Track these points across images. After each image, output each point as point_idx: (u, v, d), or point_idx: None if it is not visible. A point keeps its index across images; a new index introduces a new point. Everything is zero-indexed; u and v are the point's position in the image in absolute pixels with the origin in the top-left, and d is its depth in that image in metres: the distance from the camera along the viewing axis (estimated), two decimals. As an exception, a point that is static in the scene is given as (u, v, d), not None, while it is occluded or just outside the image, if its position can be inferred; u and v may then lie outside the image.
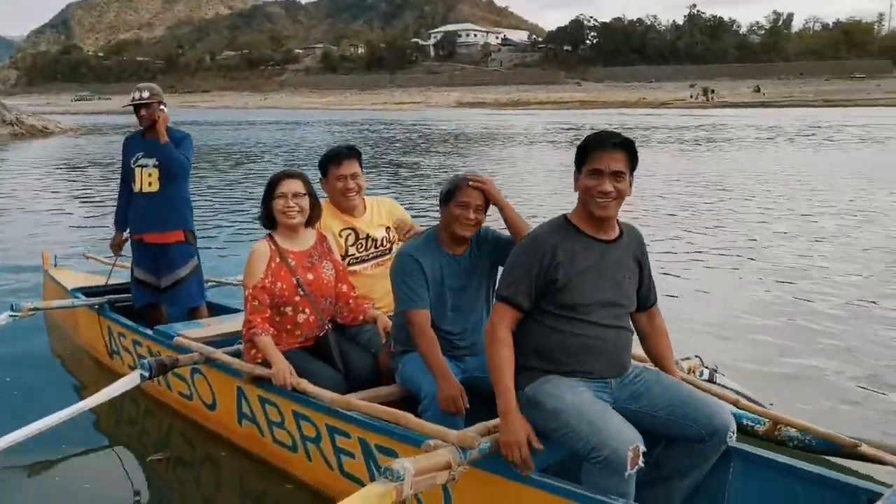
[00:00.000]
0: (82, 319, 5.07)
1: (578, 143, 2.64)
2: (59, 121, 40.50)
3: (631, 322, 2.76)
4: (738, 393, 3.64)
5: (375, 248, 3.80)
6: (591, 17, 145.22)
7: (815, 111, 54.30)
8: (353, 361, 3.41)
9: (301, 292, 3.41)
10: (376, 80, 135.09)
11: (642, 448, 2.31)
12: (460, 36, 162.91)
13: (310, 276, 3.46)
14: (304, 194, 3.46)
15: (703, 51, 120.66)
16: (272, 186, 3.45)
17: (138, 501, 3.52)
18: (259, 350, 3.33)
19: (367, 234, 3.78)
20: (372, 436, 2.91)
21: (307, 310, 3.44)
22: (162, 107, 4.63)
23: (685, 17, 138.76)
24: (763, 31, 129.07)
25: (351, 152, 3.72)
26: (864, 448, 2.83)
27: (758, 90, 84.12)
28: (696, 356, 3.61)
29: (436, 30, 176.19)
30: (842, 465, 3.04)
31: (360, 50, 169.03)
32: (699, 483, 2.64)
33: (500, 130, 37.48)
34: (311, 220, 3.53)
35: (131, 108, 4.62)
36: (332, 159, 3.68)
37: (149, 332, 4.24)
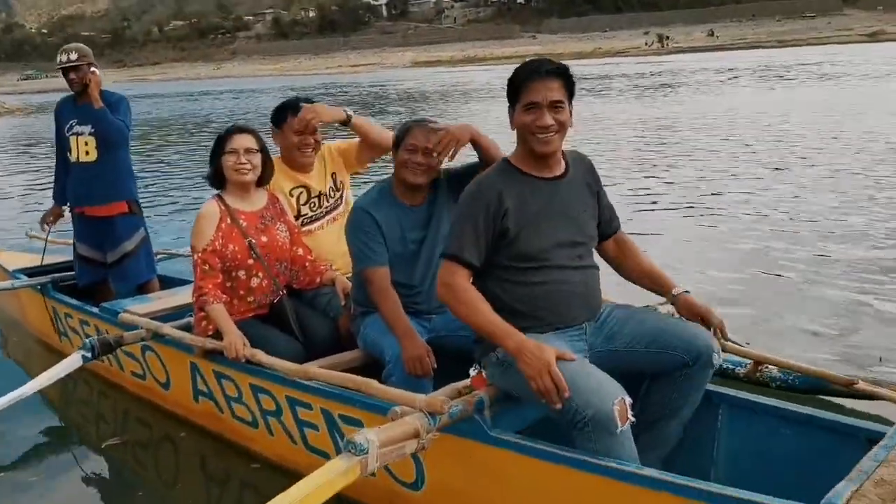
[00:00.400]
0: (27, 301, 4.78)
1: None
2: (3, 101, 39.13)
3: (597, 257, 2.60)
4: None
5: (328, 201, 3.57)
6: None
7: (769, 52, 54.57)
8: (312, 327, 3.19)
9: (254, 255, 3.18)
10: (330, 43, 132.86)
11: (628, 399, 2.13)
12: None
13: (263, 239, 3.22)
14: (257, 150, 3.21)
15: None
16: (222, 142, 3.19)
17: (95, 489, 3.31)
18: (210, 319, 3.10)
19: (320, 192, 3.54)
20: (335, 405, 2.71)
21: (260, 273, 3.22)
22: (93, 69, 4.29)
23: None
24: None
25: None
26: (861, 385, 2.69)
27: (711, 34, 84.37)
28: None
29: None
30: (832, 405, 2.93)
31: (312, 14, 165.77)
32: (688, 430, 2.47)
33: (457, 87, 37.03)
34: (263, 179, 3.28)
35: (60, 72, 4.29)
36: (292, 108, 3.39)
37: (94, 310, 3.98)
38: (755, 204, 8.05)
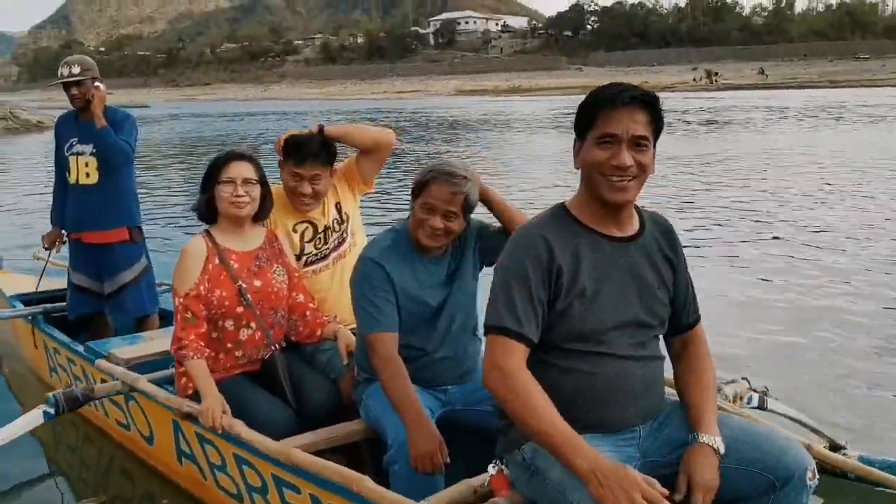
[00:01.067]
0: (21, 331, 4.43)
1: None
2: (55, 115, 39.80)
3: (661, 347, 2.06)
4: (794, 420, 2.96)
5: (333, 235, 3.11)
6: (591, 2, 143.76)
7: (822, 92, 53.36)
8: (308, 390, 2.72)
9: (244, 302, 2.74)
10: (376, 69, 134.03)
11: None
12: (459, 23, 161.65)
13: (256, 283, 2.78)
14: (256, 181, 2.78)
15: (705, 33, 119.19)
16: (216, 169, 2.77)
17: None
18: (189, 377, 2.66)
19: (326, 226, 3.09)
20: (326, 495, 2.25)
21: (252, 324, 2.77)
22: (97, 83, 3.93)
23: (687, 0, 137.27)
24: (766, 13, 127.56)
25: (318, 150, 2.94)
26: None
27: (762, 72, 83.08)
28: (743, 378, 2.91)
29: (435, 18, 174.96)
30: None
31: (360, 40, 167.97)
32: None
33: (500, 117, 36.68)
34: (260, 214, 2.85)
35: (61, 86, 3.94)
36: (292, 151, 2.93)
37: (80, 348, 3.59)
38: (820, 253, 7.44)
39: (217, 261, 2.74)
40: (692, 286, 2.08)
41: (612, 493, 1.60)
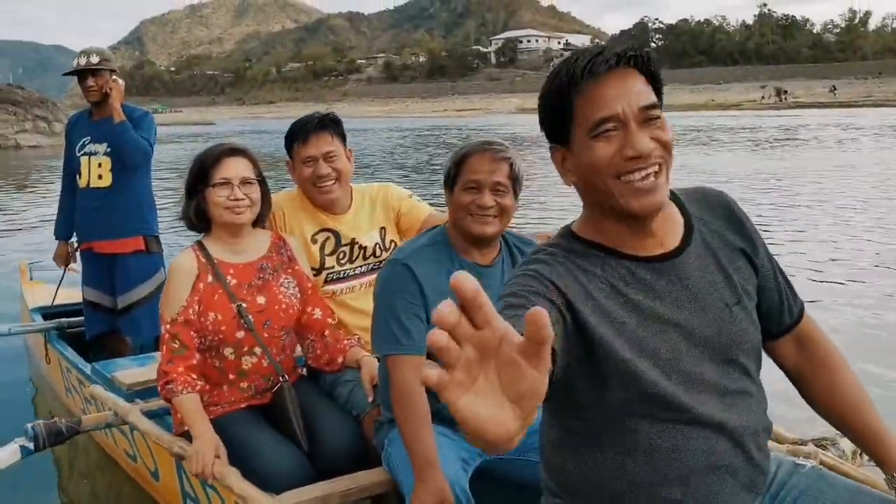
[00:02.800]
0: (38, 346, 4.14)
1: None
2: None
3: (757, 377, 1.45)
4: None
5: (364, 258, 2.66)
6: (655, 19, 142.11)
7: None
8: (324, 431, 2.26)
9: (245, 325, 2.30)
10: (437, 87, 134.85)
11: None
12: (521, 42, 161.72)
13: (260, 300, 2.34)
14: (255, 179, 2.33)
15: (774, 51, 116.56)
16: (208, 168, 2.29)
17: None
18: (181, 414, 2.24)
19: (353, 239, 2.64)
20: (335, 561, 1.82)
21: (256, 349, 2.34)
22: (115, 76, 3.61)
23: (755, 16, 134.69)
24: (838, 30, 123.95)
25: (322, 122, 2.55)
26: None
27: (833, 90, 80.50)
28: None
29: (497, 37, 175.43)
30: None
31: (422, 59, 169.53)
32: None
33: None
34: (260, 217, 2.41)
35: (76, 76, 3.62)
36: (297, 134, 2.55)
37: (87, 369, 3.25)
38: None
39: (210, 278, 2.30)
40: (781, 271, 1.48)
41: None
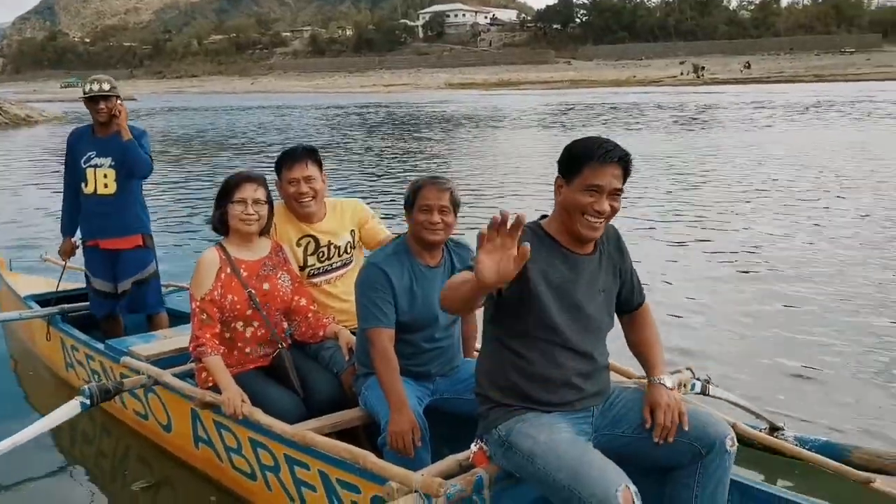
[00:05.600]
0: (37, 331, 4.76)
1: (568, 145, 2.29)
2: (43, 109, 39.86)
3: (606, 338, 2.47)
4: (735, 405, 3.38)
5: (339, 255, 3.47)
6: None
7: (807, 86, 54.01)
8: (314, 383, 3.10)
9: (253, 305, 3.12)
10: (365, 62, 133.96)
11: (632, 487, 2.01)
12: (448, 16, 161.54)
13: (264, 287, 3.17)
14: (264, 202, 3.17)
15: (692, 27, 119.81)
16: (230, 189, 3.14)
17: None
18: (209, 371, 3.03)
19: (329, 242, 3.45)
20: (332, 470, 2.62)
21: (256, 322, 3.16)
22: (120, 101, 4.28)
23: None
24: (753, 7, 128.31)
25: (304, 153, 3.36)
26: (878, 484, 2.58)
27: (747, 66, 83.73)
28: (687, 368, 3.32)
29: (424, 10, 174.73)
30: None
31: (348, 32, 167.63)
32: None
33: (490, 112, 37.05)
34: (266, 228, 3.25)
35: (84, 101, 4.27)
36: (285, 161, 3.35)
37: (100, 346, 3.94)
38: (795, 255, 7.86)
39: (229, 269, 3.11)
40: (636, 276, 2.52)
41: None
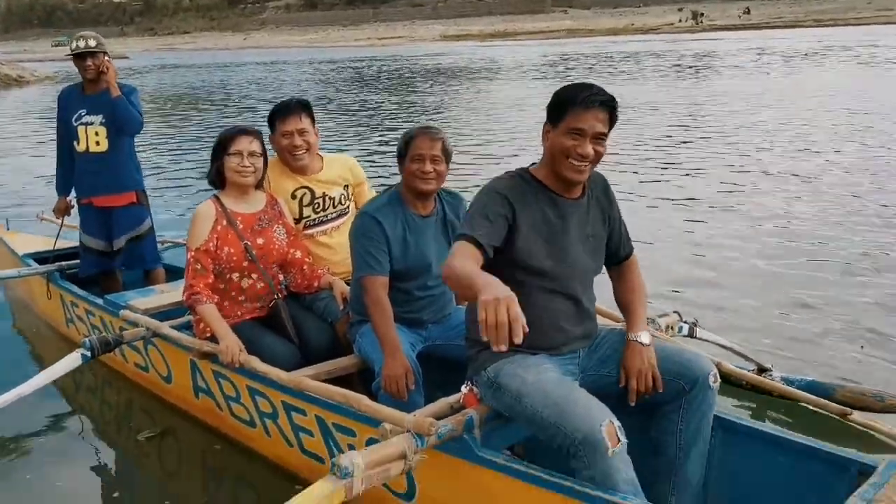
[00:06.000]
0: (36, 288, 4.81)
1: (556, 91, 2.32)
2: (35, 69, 39.43)
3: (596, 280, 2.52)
4: (721, 346, 3.46)
5: (334, 207, 3.51)
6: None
7: (807, 31, 53.34)
8: (309, 332, 3.17)
9: (249, 257, 3.17)
10: (359, 14, 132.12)
11: (616, 422, 2.08)
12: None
13: (259, 241, 3.21)
14: (260, 154, 3.19)
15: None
16: (225, 142, 3.15)
17: (97, 477, 3.33)
18: (205, 321, 3.09)
19: (324, 193, 3.48)
20: (329, 414, 2.70)
21: (254, 275, 3.21)
22: (107, 57, 4.26)
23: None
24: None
25: (298, 106, 3.39)
26: (855, 416, 2.66)
27: (747, 12, 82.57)
28: (675, 311, 3.39)
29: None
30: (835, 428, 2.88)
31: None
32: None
33: (486, 64, 36.69)
34: (261, 182, 3.28)
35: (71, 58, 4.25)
36: (278, 113, 3.38)
37: (99, 301, 3.99)
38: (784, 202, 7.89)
39: (225, 222, 3.14)
40: (625, 226, 2.56)
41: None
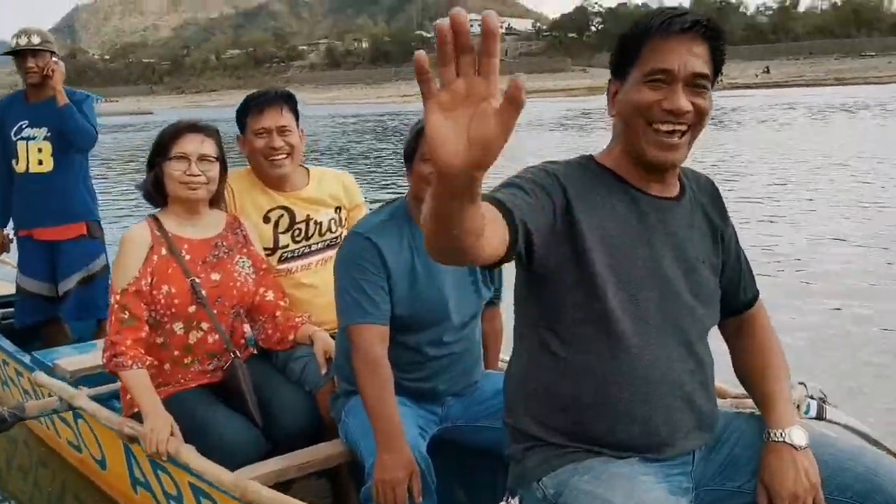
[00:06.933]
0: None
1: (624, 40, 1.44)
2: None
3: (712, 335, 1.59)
4: (859, 434, 2.50)
5: (320, 234, 2.63)
6: (595, 3, 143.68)
7: (828, 90, 52.83)
8: (279, 407, 2.23)
9: (198, 300, 2.26)
10: (382, 73, 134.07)
11: None
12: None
13: (214, 277, 2.31)
14: (214, 158, 2.31)
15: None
16: (166, 143, 2.28)
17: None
18: (129, 390, 2.20)
19: (308, 216, 2.61)
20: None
21: (204, 325, 2.31)
22: (55, 59, 3.47)
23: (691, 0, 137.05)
24: (770, 12, 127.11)
25: (278, 97, 2.52)
26: None
27: (767, 71, 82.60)
28: (800, 382, 2.46)
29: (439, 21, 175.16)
30: None
31: (364, 44, 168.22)
32: None
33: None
34: (217, 198, 2.39)
35: (12, 57, 3.47)
36: (252, 105, 2.51)
37: (25, 359, 3.14)
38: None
39: (164, 251, 2.26)
40: (745, 257, 1.66)
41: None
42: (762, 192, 10.34)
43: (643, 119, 1.39)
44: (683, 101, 1.36)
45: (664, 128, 1.38)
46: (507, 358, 1.62)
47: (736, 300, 1.63)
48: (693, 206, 1.53)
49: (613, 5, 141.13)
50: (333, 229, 2.66)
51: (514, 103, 0.82)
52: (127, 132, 33.52)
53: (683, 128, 1.39)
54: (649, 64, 1.38)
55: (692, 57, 1.37)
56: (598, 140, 20.08)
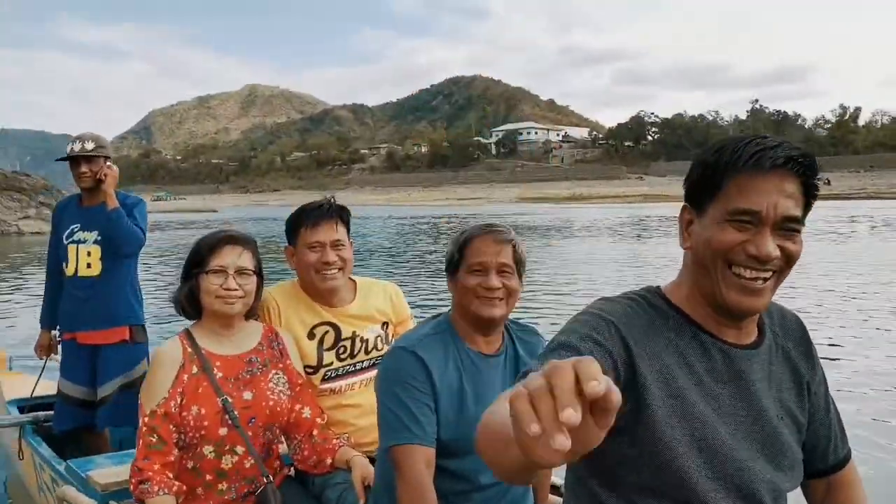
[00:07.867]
0: (14, 442, 3.91)
1: (694, 172, 1.31)
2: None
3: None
4: None
5: (366, 353, 2.53)
6: (651, 114, 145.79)
7: (892, 202, 51.89)
8: None
9: (230, 420, 2.15)
10: (439, 177, 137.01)
11: None
12: (521, 134, 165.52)
13: (246, 395, 2.20)
14: (252, 272, 2.24)
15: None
16: (203, 255, 2.22)
17: None
18: None
19: (354, 333, 2.51)
20: None
21: (238, 448, 2.18)
22: (109, 163, 3.52)
23: (748, 112, 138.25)
24: (829, 125, 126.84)
25: (333, 210, 2.47)
26: None
27: (828, 183, 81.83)
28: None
29: (497, 128, 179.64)
30: None
31: (424, 149, 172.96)
32: None
33: (562, 223, 36.36)
34: (253, 309, 2.32)
35: (69, 163, 3.51)
36: (305, 218, 2.45)
37: (60, 467, 3.04)
38: None
39: (195, 369, 2.17)
40: (836, 410, 1.46)
41: None
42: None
43: (723, 261, 1.25)
44: (771, 247, 1.22)
45: (747, 273, 1.24)
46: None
47: (824, 461, 1.44)
48: (774, 352, 1.36)
49: (669, 116, 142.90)
50: (380, 347, 2.55)
51: (611, 410, 0.75)
52: (190, 229, 34.60)
53: (768, 274, 1.25)
54: (734, 202, 1.23)
55: (783, 198, 1.22)
56: (653, 248, 19.89)
